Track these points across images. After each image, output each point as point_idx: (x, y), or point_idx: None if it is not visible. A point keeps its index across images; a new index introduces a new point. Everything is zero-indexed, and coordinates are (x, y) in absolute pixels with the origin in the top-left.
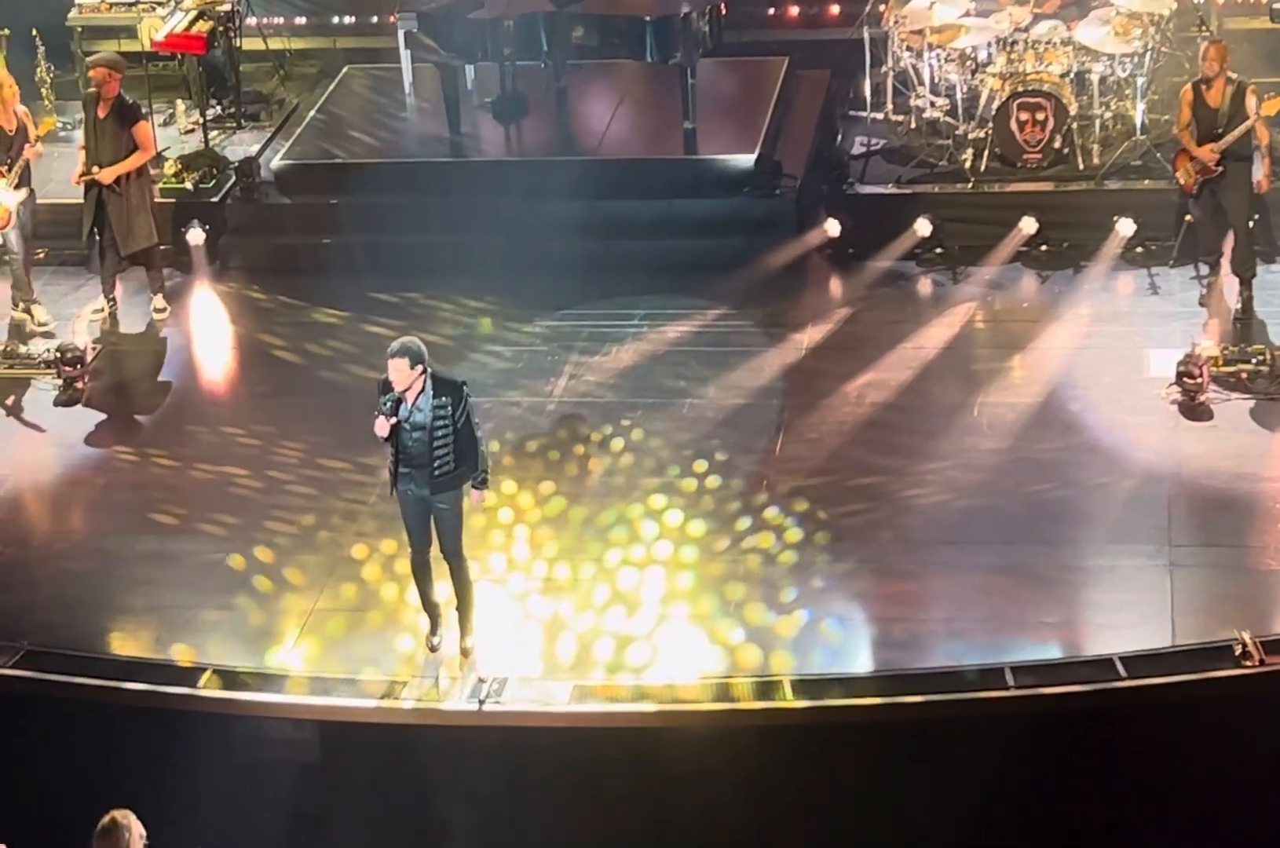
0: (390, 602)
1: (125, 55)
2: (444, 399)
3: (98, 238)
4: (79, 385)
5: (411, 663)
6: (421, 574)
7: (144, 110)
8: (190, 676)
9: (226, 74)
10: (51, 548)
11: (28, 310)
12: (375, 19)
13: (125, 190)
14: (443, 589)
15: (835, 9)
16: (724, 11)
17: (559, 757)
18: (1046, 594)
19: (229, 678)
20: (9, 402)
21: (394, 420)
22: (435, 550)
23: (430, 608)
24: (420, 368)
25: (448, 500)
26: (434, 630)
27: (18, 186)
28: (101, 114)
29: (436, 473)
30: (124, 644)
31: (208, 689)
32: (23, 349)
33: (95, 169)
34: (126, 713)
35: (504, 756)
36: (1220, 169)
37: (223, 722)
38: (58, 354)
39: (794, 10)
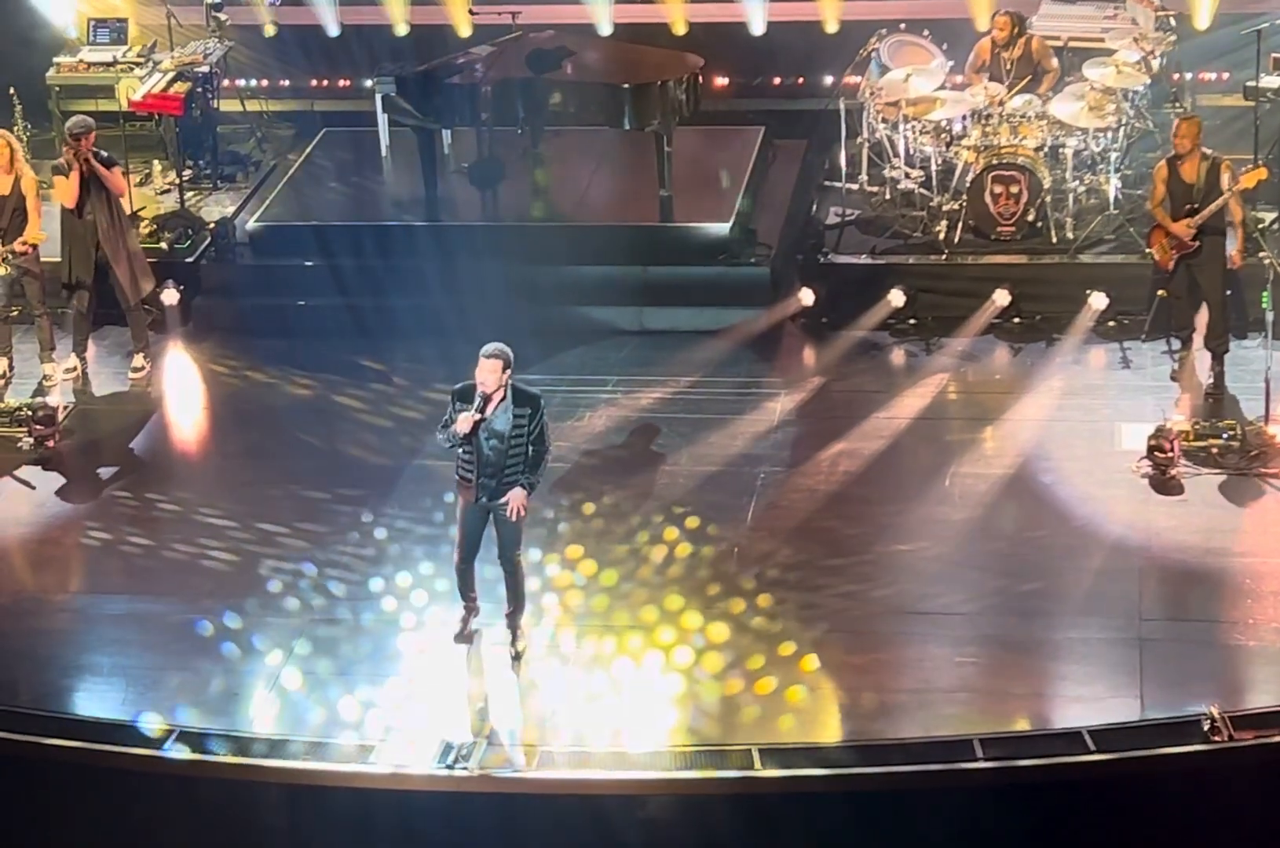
0: (358, 666)
1: (103, 114)
2: (524, 409)
3: (85, 292)
4: (50, 444)
5: (378, 727)
6: (464, 579)
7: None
8: (156, 737)
9: (204, 135)
10: (19, 605)
11: None
12: (353, 83)
13: (126, 238)
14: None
15: (813, 79)
16: (701, 80)
17: (525, 823)
18: (1016, 666)
19: (195, 740)
20: None
21: (479, 417)
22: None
23: (469, 602)
24: (509, 374)
25: None
26: (467, 620)
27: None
28: (88, 172)
29: (506, 481)
30: (90, 704)
31: (174, 751)
32: None
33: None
34: (91, 774)
35: (470, 820)
36: (1196, 244)
37: (188, 785)
38: (29, 412)
39: (773, 80)
